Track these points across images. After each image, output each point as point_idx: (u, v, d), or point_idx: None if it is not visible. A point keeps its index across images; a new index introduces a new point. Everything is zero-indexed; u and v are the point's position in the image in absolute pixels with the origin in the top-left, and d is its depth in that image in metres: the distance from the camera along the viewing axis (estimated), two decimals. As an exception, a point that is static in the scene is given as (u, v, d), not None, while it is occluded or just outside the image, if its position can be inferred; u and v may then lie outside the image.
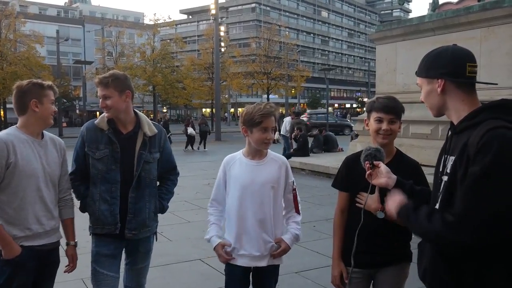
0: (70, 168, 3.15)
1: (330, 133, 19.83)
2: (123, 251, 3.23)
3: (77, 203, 3.19)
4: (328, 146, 18.01)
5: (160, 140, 3.24)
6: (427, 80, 1.91)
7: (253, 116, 2.80)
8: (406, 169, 2.62)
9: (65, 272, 3.11)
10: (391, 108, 2.66)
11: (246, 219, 2.87)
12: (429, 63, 1.90)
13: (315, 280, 4.88)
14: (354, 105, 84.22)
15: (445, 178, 1.82)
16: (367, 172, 2.34)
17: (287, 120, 18.08)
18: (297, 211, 3.03)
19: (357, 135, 14.90)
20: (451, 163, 1.79)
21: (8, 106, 43.03)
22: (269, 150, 3.00)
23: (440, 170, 1.91)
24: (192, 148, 23.02)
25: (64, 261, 3.11)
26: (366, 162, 2.36)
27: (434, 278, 1.86)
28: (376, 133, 2.65)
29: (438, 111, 1.93)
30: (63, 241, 3.09)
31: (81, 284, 4.71)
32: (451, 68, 1.84)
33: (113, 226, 3.04)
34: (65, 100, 52.46)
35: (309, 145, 16.83)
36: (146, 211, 3.14)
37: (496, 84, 1.87)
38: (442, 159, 1.92)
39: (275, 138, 22.58)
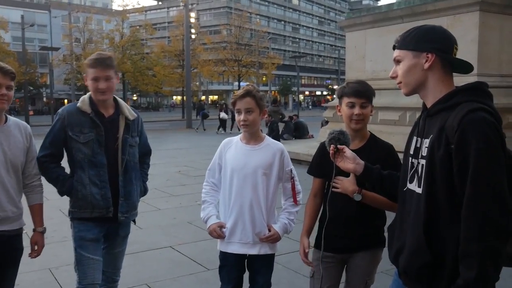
0: (42, 152, 3.05)
1: (301, 120, 19.94)
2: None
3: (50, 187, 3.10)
4: (299, 132, 18.15)
5: (138, 124, 3.26)
6: (413, 54, 1.83)
7: (232, 100, 2.93)
8: (380, 152, 2.66)
9: (29, 256, 3.03)
10: (362, 92, 2.67)
11: (237, 204, 2.87)
12: (420, 36, 1.84)
13: (286, 265, 4.92)
14: (325, 93, 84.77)
15: (422, 161, 1.81)
16: (331, 155, 2.33)
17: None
18: (295, 201, 3.01)
19: (327, 122, 15.02)
20: (427, 145, 1.78)
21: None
22: (267, 137, 3.03)
23: (412, 152, 1.91)
24: (225, 131, 24.12)
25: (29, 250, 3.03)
26: (331, 146, 2.33)
27: (412, 259, 1.83)
28: (349, 118, 2.66)
29: (414, 88, 1.87)
30: (30, 229, 3.02)
31: (48, 274, 4.64)
32: (442, 45, 1.81)
33: (105, 210, 3.03)
34: (31, 88, 51.10)
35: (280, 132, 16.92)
36: (135, 194, 3.19)
37: (472, 70, 1.85)
38: (414, 142, 1.92)
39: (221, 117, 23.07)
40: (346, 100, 2.68)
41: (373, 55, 11.99)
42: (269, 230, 2.91)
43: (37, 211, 3.04)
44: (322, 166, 2.77)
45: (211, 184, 3.05)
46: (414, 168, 1.88)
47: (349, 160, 2.25)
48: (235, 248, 2.91)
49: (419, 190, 1.82)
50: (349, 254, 2.75)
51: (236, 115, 2.92)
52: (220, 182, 3.02)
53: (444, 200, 1.72)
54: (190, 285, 4.53)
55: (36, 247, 3.04)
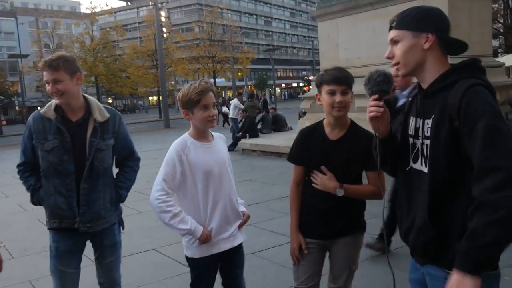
0: (19, 160, 2.98)
1: (279, 112, 19.93)
2: (91, 245, 3.08)
3: (26, 195, 3.01)
4: (278, 125, 18.14)
5: (114, 125, 3.03)
6: (413, 34, 1.82)
7: (190, 97, 2.69)
8: (361, 140, 2.61)
9: None
10: (342, 79, 2.60)
11: (219, 203, 2.79)
12: (420, 16, 1.83)
13: (271, 259, 4.90)
14: (301, 84, 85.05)
15: (426, 141, 1.81)
16: (374, 114, 1.93)
17: (234, 102, 18.03)
18: None
19: (304, 113, 15.03)
20: (429, 125, 1.79)
21: None
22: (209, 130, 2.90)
23: (412, 133, 1.90)
24: (229, 124, 22.52)
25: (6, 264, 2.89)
26: (376, 95, 1.95)
27: (419, 235, 1.83)
28: (331, 106, 2.59)
29: (413, 68, 1.86)
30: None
31: (29, 286, 4.51)
32: (441, 25, 1.83)
33: (71, 220, 2.88)
34: (2, 97, 50.06)
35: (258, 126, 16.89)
36: (100, 202, 2.96)
37: (466, 50, 1.87)
38: (413, 122, 1.90)
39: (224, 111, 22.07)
40: (326, 87, 2.59)
41: (346, 43, 12.02)
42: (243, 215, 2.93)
43: None
44: (302, 152, 2.74)
45: (171, 193, 2.75)
46: (416, 148, 1.88)
47: (385, 121, 1.96)
48: (221, 246, 2.81)
49: (425, 170, 1.82)
50: (331, 241, 2.75)
51: (201, 112, 2.71)
52: (175, 190, 2.79)
53: (448, 178, 1.74)
54: (176, 287, 4.47)
55: None
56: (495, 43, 33.72)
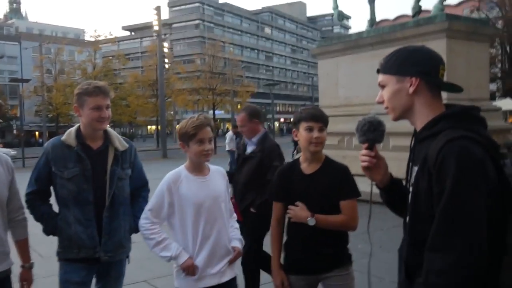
0: (26, 188, 2.93)
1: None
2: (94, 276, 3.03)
3: (37, 225, 2.97)
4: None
5: (130, 155, 3.06)
6: (397, 78, 1.73)
7: (186, 130, 2.75)
8: (336, 173, 2.74)
9: None
10: (319, 117, 2.74)
11: (205, 236, 2.76)
12: (403, 59, 1.74)
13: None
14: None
15: (411, 189, 1.73)
16: (365, 164, 1.89)
17: (229, 135, 18.08)
18: (239, 217, 3.07)
19: (298, 151, 15.06)
20: (415, 173, 1.70)
21: None
22: (208, 164, 2.94)
23: (408, 180, 1.81)
24: None
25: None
26: (366, 144, 1.91)
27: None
28: (309, 142, 2.70)
29: (402, 113, 1.77)
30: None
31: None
32: (427, 67, 1.70)
33: (91, 250, 2.84)
34: (1, 120, 50.12)
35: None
36: (121, 231, 2.96)
37: (461, 91, 1.75)
38: (408, 169, 1.81)
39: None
40: (304, 124, 2.73)
41: (346, 82, 12.17)
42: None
43: (23, 246, 2.90)
44: (281, 189, 2.82)
45: (158, 223, 2.81)
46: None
47: (380, 170, 1.91)
48: (207, 281, 2.78)
49: (407, 219, 1.76)
50: (321, 276, 2.76)
51: (196, 145, 2.74)
52: (163, 221, 2.83)
53: (428, 232, 1.58)
54: (166, 321, 4.38)
55: (25, 284, 2.89)
56: (493, 87, 34.17)
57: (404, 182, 1.90)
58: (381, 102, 1.82)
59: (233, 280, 2.94)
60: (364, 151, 1.89)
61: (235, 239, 2.96)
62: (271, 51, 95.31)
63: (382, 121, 1.92)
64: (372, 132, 1.88)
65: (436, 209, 1.53)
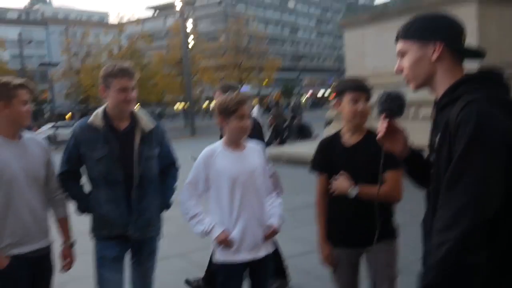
0: (60, 169, 3.01)
1: (304, 121, 19.86)
2: (130, 251, 3.13)
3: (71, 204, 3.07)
4: (303, 134, 18.08)
5: (157, 134, 3.09)
6: (419, 44, 1.67)
7: (227, 105, 2.79)
8: (377, 146, 2.61)
9: (62, 270, 3.01)
10: (365, 87, 2.66)
11: (241, 211, 2.82)
12: (425, 25, 1.68)
13: (296, 268, 4.88)
14: (327, 92, 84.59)
15: (434, 157, 1.70)
16: (380, 133, 1.88)
17: (256, 109, 18.08)
18: (280, 192, 3.05)
19: (330, 122, 14.96)
20: (437, 141, 1.66)
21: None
22: (244, 139, 2.98)
23: (431, 149, 1.78)
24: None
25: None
26: (383, 114, 1.88)
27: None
28: (353, 114, 2.62)
29: (423, 81, 1.72)
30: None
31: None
32: (450, 33, 1.65)
33: (123, 228, 2.93)
34: (33, 104, 51.23)
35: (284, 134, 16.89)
36: (151, 210, 3.03)
37: (484, 56, 1.67)
38: (431, 138, 1.78)
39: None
40: (348, 95, 2.63)
41: (373, 52, 11.95)
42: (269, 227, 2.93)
43: (63, 224, 3.01)
44: (324, 161, 2.79)
45: (196, 197, 2.92)
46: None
47: (398, 142, 1.89)
48: (244, 256, 2.86)
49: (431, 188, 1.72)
50: (363, 249, 2.73)
51: (236, 121, 2.80)
52: (202, 195, 2.93)
53: None
54: (202, 293, 4.48)
55: (66, 261, 3.02)
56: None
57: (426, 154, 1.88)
58: (400, 72, 1.78)
59: (270, 257, 2.99)
60: (380, 122, 1.87)
61: (274, 216, 2.98)
62: (295, 25, 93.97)
63: (402, 94, 1.90)
64: (388, 103, 1.86)
65: (448, 170, 1.51)
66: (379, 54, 11.64)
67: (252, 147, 2.98)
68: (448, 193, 1.48)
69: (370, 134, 2.69)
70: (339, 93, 2.70)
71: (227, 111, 2.79)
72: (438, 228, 1.49)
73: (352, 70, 12.88)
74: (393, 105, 1.86)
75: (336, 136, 2.81)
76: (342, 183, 2.62)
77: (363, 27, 12.48)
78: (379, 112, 1.88)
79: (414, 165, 1.91)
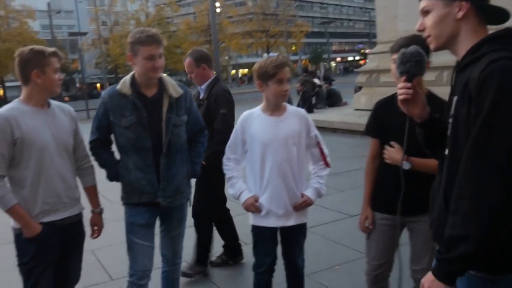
0: (89, 136, 3.02)
1: (334, 87, 19.54)
2: (158, 218, 3.14)
3: (102, 172, 3.09)
4: (332, 100, 17.84)
5: (186, 101, 3.05)
6: (444, 2, 1.62)
7: (266, 69, 2.73)
8: (437, 109, 2.44)
9: (91, 237, 3.07)
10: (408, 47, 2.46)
11: (270, 177, 2.81)
12: None
13: (324, 235, 4.86)
14: (357, 58, 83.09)
15: (450, 120, 1.66)
16: (401, 96, 1.84)
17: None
18: (326, 164, 2.97)
19: (360, 88, 14.68)
20: (455, 103, 1.63)
21: (7, 84, 42.83)
22: (287, 105, 2.93)
23: (448, 113, 1.73)
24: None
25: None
26: (403, 77, 1.84)
27: (438, 229, 1.71)
28: None
29: (446, 41, 1.67)
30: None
31: (91, 255, 4.72)
32: None
33: (152, 195, 2.93)
34: (64, 74, 52.00)
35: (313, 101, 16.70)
36: (179, 177, 3.01)
37: (509, 18, 1.61)
38: (449, 102, 1.73)
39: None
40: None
41: (406, 14, 11.51)
42: (302, 197, 2.89)
43: (92, 193, 3.04)
44: (378, 125, 2.70)
45: (234, 160, 2.96)
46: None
47: (417, 104, 1.86)
48: (272, 221, 2.86)
49: (446, 152, 1.69)
50: (407, 218, 2.62)
51: (275, 85, 2.73)
52: (242, 158, 2.95)
53: None
54: (230, 261, 4.51)
55: (96, 228, 3.07)
56: None
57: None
58: (422, 30, 1.73)
59: (301, 227, 2.96)
60: (401, 84, 1.82)
61: (311, 187, 2.95)
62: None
63: (418, 50, 1.83)
64: (404, 64, 1.81)
65: (472, 131, 1.46)
66: (412, 16, 11.20)
67: (293, 112, 2.91)
68: (477, 154, 1.45)
69: (429, 99, 2.52)
70: (393, 52, 2.54)
71: (266, 75, 2.73)
72: (469, 193, 1.45)
73: (384, 33, 12.52)
74: (410, 66, 1.80)
75: (393, 99, 2.60)
76: (395, 154, 2.52)
77: (395, -12, 12.02)
78: (399, 75, 1.84)
79: (431, 130, 1.87)
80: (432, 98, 2.53)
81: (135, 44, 2.81)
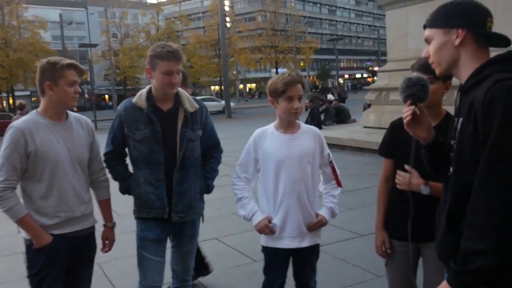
0: (104, 148, 3.00)
1: (342, 104, 19.50)
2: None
3: (113, 185, 3.06)
4: (341, 117, 17.80)
5: (201, 115, 3.02)
6: (444, 31, 1.73)
7: (276, 86, 2.69)
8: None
9: (102, 251, 3.02)
10: (428, 67, 2.39)
11: (284, 196, 2.74)
12: (450, 12, 1.74)
13: (334, 255, 4.77)
14: (365, 75, 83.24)
15: (455, 141, 1.71)
16: (406, 119, 1.89)
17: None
18: (338, 184, 2.91)
19: (369, 105, 14.63)
20: (460, 125, 1.68)
21: (17, 93, 43.16)
22: (301, 123, 2.88)
23: (452, 135, 1.80)
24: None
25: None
26: (408, 101, 1.90)
27: (442, 249, 1.76)
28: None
29: (448, 66, 1.76)
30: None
31: (97, 268, 4.64)
32: (474, 19, 1.69)
33: (160, 210, 2.89)
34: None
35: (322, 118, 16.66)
36: (192, 192, 2.97)
37: (510, 44, 1.71)
38: (453, 124, 1.81)
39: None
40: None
41: (417, 33, 11.51)
42: (316, 217, 2.82)
43: (105, 206, 3.01)
44: (392, 146, 2.61)
45: (245, 180, 2.88)
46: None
47: (423, 127, 1.92)
48: (286, 242, 2.78)
49: (450, 171, 1.73)
50: (421, 244, 2.52)
51: (285, 103, 2.69)
52: (253, 177, 2.88)
53: (472, 180, 1.56)
54: (237, 277, 4.45)
55: (107, 242, 3.02)
56: None
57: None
58: (427, 57, 1.84)
59: (315, 248, 2.89)
60: (406, 108, 1.89)
61: (325, 207, 2.89)
62: (334, 4, 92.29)
63: (422, 77, 1.93)
64: (410, 88, 1.87)
65: (482, 151, 1.51)
66: (422, 35, 11.21)
67: (307, 131, 2.86)
68: (491, 170, 1.48)
69: (446, 120, 2.40)
70: (415, 70, 2.47)
71: (276, 92, 2.70)
72: (486, 209, 1.47)
73: (394, 52, 12.51)
74: (416, 89, 1.87)
75: None
76: (411, 180, 2.37)
77: (407, 6, 12.05)
78: (404, 99, 1.91)
79: (436, 153, 1.93)
80: (449, 118, 2.41)
81: (154, 58, 2.79)
